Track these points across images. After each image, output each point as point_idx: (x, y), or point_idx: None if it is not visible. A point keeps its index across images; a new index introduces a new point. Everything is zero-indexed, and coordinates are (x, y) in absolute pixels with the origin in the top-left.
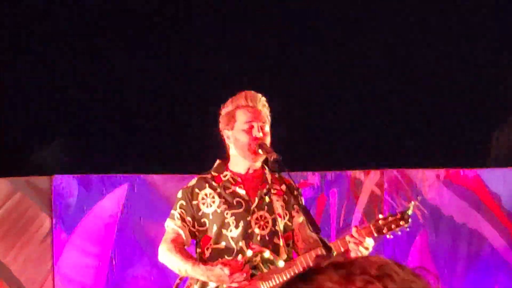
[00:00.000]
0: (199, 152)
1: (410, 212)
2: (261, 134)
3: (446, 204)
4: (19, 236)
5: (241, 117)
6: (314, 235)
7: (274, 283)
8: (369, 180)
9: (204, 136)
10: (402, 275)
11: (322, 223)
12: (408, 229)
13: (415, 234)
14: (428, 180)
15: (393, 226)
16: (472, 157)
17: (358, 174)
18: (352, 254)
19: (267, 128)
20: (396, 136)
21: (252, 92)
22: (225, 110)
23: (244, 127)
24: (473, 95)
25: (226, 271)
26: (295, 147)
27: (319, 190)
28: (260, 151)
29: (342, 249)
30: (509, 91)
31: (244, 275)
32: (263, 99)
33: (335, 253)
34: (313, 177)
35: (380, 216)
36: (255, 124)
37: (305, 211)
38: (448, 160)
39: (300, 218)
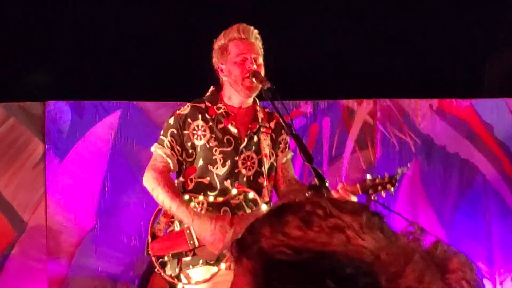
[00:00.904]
0: (193, 80)
1: (398, 177)
2: (254, 66)
3: (439, 134)
4: (11, 161)
5: (234, 49)
6: (295, 176)
7: None
8: (362, 109)
9: (197, 64)
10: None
11: (314, 152)
12: (393, 194)
13: (407, 163)
14: (421, 109)
15: (379, 188)
16: (465, 87)
17: (351, 103)
18: None
19: (261, 60)
20: (389, 65)
21: (245, 24)
22: (218, 43)
23: (237, 60)
24: (468, 23)
25: (212, 227)
26: (288, 75)
27: (312, 119)
28: (253, 79)
29: None
30: (505, 20)
31: (226, 237)
32: (256, 31)
33: (327, 183)
34: (306, 106)
35: (368, 176)
36: (248, 56)
37: (298, 140)
38: (441, 89)
39: (284, 159)
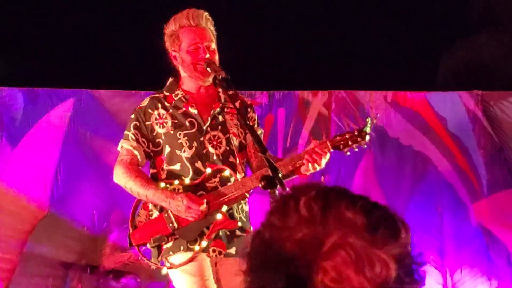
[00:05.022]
0: (146, 68)
1: (367, 129)
2: (207, 55)
3: (393, 126)
4: None
5: (185, 38)
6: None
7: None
8: (317, 101)
9: (152, 52)
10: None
11: (269, 143)
12: (365, 146)
13: (361, 155)
14: (375, 101)
15: (350, 142)
16: (419, 79)
17: (306, 94)
18: (303, 169)
19: (214, 46)
20: (344, 57)
21: (194, 10)
22: (168, 29)
23: (190, 49)
24: (422, 16)
25: (185, 202)
26: (244, 65)
27: (267, 110)
28: (208, 69)
29: (291, 168)
30: (459, 13)
31: (202, 207)
32: (206, 14)
33: (280, 174)
34: (261, 96)
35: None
36: (200, 45)
37: (252, 131)
38: (395, 82)
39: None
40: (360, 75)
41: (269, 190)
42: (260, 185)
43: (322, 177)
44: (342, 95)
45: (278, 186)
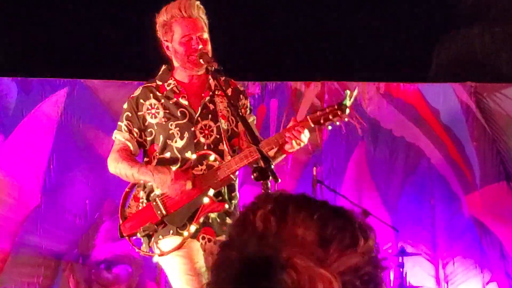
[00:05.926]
0: (140, 58)
1: (347, 102)
2: (200, 46)
3: (385, 117)
4: None
5: (178, 29)
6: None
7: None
8: (310, 92)
9: (145, 42)
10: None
11: (261, 133)
12: (346, 120)
13: (354, 146)
14: (368, 93)
15: (330, 116)
16: (412, 71)
17: (299, 85)
18: (287, 147)
19: (206, 36)
20: (337, 48)
21: (185, 0)
22: (160, 19)
23: (182, 40)
24: (415, 9)
25: (173, 174)
26: (237, 56)
27: (259, 100)
28: (201, 60)
29: (275, 147)
30: (452, 6)
31: (188, 185)
32: (197, 3)
33: (273, 165)
34: (254, 87)
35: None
36: (193, 36)
37: (244, 121)
38: (388, 73)
39: None
40: (353, 66)
41: (261, 181)
42: (252, 177)
43: (314, 168)
44: (335, 86)
45: (270, 177)
